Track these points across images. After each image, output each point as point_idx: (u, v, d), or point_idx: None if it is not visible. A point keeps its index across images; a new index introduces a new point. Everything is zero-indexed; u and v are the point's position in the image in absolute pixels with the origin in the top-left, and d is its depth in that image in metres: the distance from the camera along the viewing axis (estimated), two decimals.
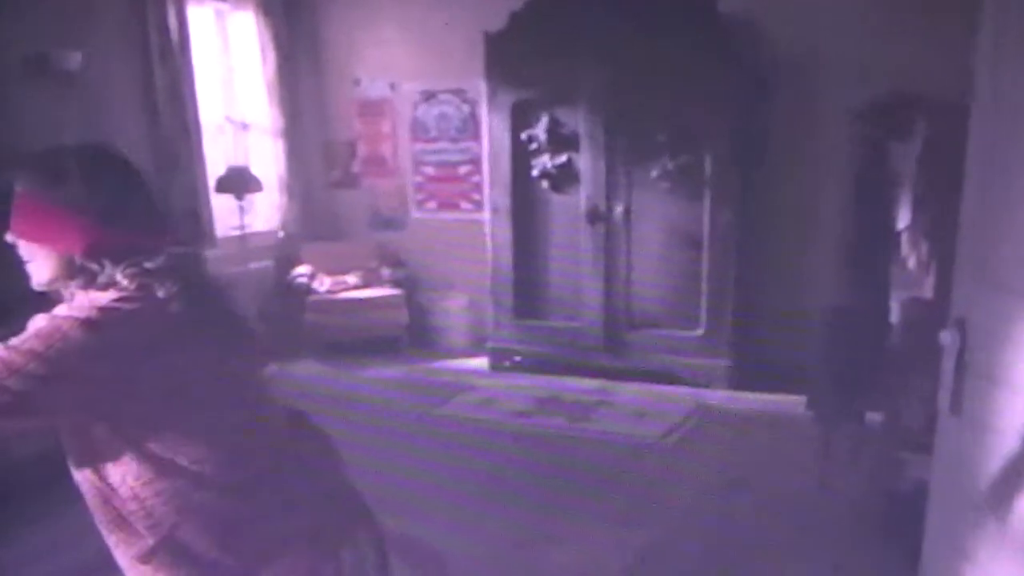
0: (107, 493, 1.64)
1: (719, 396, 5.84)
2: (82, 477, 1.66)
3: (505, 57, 6.10)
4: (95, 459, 1.63)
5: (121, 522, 1.65)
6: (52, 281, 1.69)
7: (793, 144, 6.03)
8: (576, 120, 6.04)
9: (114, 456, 1.61)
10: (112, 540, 1.68)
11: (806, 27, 5.86)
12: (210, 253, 6.16)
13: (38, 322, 1.56)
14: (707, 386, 5.93)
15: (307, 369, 6.69)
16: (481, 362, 6.73)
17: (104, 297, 1.61)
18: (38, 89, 4.91)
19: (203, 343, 1.68)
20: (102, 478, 1.64)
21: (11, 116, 4.75)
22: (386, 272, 7.23)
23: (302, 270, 7.08)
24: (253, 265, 6.71)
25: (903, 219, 4.26)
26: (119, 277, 1.63)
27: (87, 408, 1.56)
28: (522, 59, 6.04)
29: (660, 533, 3.93)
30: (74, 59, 5.01)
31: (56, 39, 4.98)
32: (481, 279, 6.65)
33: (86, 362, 1.52)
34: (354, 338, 7.01)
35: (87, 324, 1.54)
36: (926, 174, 4.15)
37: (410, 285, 7.27)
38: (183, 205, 6.05)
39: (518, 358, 6.54)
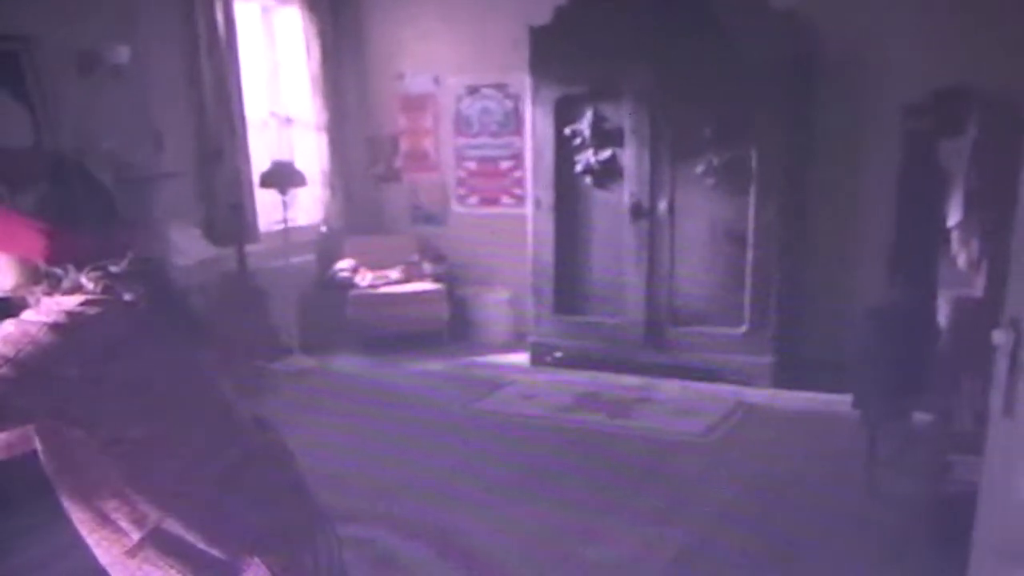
0: (88, 493, 1.66)
1: (762, 394, 5.77)
2: (60, 480, 1.69)
3: (550, 52, 6.07)
4: (72, 462, 1.65)
5: (104, 520, 1.67)
6: (16, 287, 1.72)
7: (841, 140, 5.96)
8: (621, 115, 6.00)
9: (90, 457, 1.63)
10: (94, 539, 1.70)
11: (857, 22, 5.77)
12: (253, 248, 6.22)
13: (6, 327, 1.59)
14: (750, 384, 5.87)
15: (348, 363, 6.73)
16: (522, 357, 6.71)
17: (71, 301, 1.65)
18: (90, 83, 4.99)
19: (168, 344, 1.73)
20: (82, 479, 1.66)
21: (65, 110, 4.83)
22: (427, 267, 7.24)
23: (344, 265, 7.12)
24: (295, 259, 6.75)
25: (953, 216, 4.19)
26: (84, 281, 1.67)
27: (59, 411, 1.58)
28: (567, 54, 6.02)
29: (700, 532, 3.90)
30: (123, 53, 5.08)
31: (107, 34, 5.05)
32: (522, 274, 6.64)
33: (56, 364, 1.55)
34: (395, 333, 7.04)
35: (55, 328, 1.57)
36: (979, 170, 4.07)
37: (451, 280, 7.28)
38: (227, 198, 6.10)
39: (559, 354, 6.52)
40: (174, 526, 1.65)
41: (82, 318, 1.61)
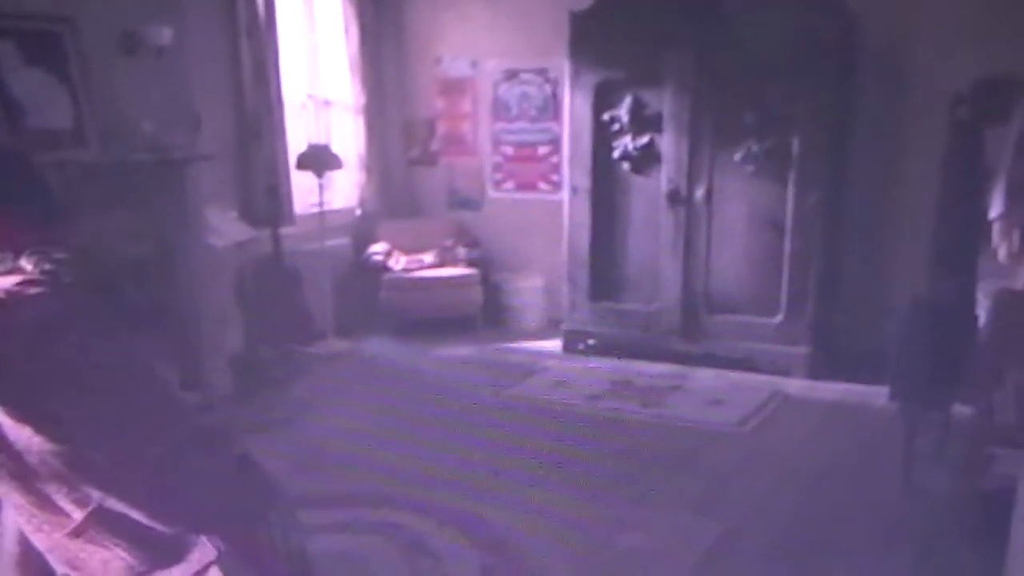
0: (28, 476, 1.65)
1: (798, 384, 5.71)
2: None
3: (590, 36, 6.03)
4: (9, 444, 1.64)
5: (45, 503, 1.66)
6: None
7: (883, 129, 5.89)
8: (660, 101, 5.94)
9: (28, 439, 1.62)
10: (34, 524, 1.69)
11: (902, 8, 5.70)
12: (288, 230, 6.24)
13: None
14: (786, 374, 5.82)
15: (381, 347, 6.75)
16: (555, 344, 6.69)
17: (8, 281, 1.66)
18: (132, 64, 5.01)
19: (106, 328, 1.74)
20: (21, 462, 1.65)
21: (108, 91, 4.86)
22: (462, 251, 7.23)
23: (378, 248, 7.12)
24: (330, 242, 6.76)
25: (996, 208, 4.11)
26: (24, 263, 1.69)
27: None
28: (607, 39, 5.98)
29: (734, 522, 3.86)
30: (166, 34, 5.10)
31: (150, 15, 5.07)
32: (557, 261, 6.61)
33: None
34: (428, 317, 7.05)
35: None
36: (1022, 161, 3.99)
37: (485, 265, 7.27)
38: (263, 181, 6.12)
39: (592, 341, 6.49)
40: (117, 505, 1.64)
41: (19, 297, 1.63)
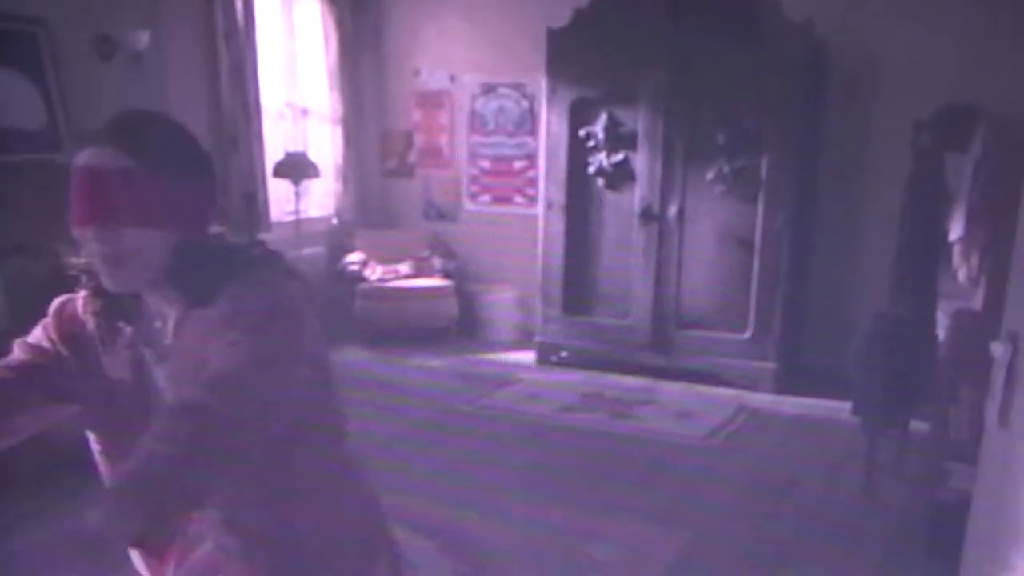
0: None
1: (764, 399, 5.83)
2: None
3: (567, 53, 6.12)
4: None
5: None
6: (153, 280, 1.55)
7: (849, 152, 6.03)
8: (635, 119, 6.05)
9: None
10: None
11: (870, 36, 5.85)
12: (264, 237, 6.24)
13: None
14: (753, 389, 5.93)
15: (355, 356, 6.78)
16: (528, 356, 6.77)
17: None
18: (108, 68, 5.02)
19: None
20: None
21: (83, 95, 4.88)
22: (437, 263, 7.30)
23: (354, 257, 7.17)
24: (306, 251, 6.79)
25: (955, 231, 4.25)
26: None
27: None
28: (584, 56, 6.07)
29: (701, 533, 3.95)
30: (143, 39, 5.12)
31: (127, 20, 5.09)
32: (531, 274, 6.68)
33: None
34: (403, 327, 7.10)
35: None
36: (982, 187, 4.14)
37: (460, 277, 7.33)
38: (240, 187, 6.15)
39: (565, 354, 6.58)
40: None
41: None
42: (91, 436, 1.72)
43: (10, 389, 1.59)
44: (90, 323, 1.63)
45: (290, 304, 1.52)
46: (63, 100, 4.81)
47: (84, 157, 1.47)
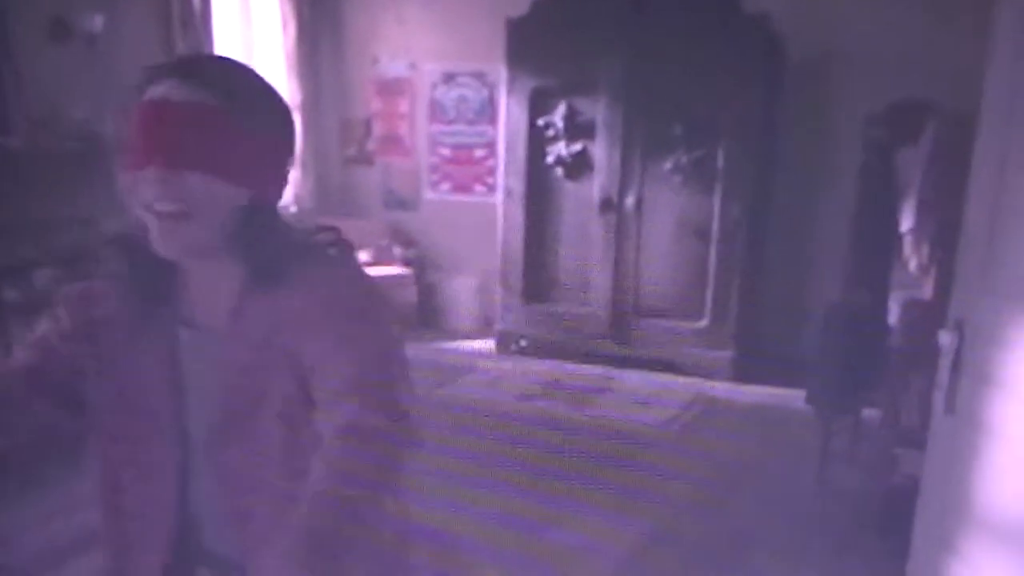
0: None
1: (721, 387, 5.91)
2: None
3: (526, 43, 6.14)
4: None
5: None
6: (213, 246, 1.34)
7: (805, 144, 6.11)
8: (594, 109, 6.08)
9: None
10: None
11: (826, 31, 5.93)
12: None
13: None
14: (710, 377, 6.01)
15: None
16: (487, 344, 6.81)
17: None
18: (62, 51, 4.96)
19: None
20: None
21: (36, 77, 4.81)
22: (397, 251, 7.30)
23: None
24: None
25: (906, 222, 4.33)
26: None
27: None
28: (543, 46, 6.09)
29: (658, 520, 4.00)
30: (98, 22, 5.05)
31: (79, 2, 5.02)
32: (491, 262, 6.71)
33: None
34: None
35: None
36: (932, 179, 4.22)
37: (420, 265, 7.34)
38: None
39: (524, 342, 6.61)
40: None
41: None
42: (96, 438, 1.50)
43: (12, 399, 1.40)
44: (113, 306, 1.43)
45: (381, 293, 1.42)
46: (16, 84, 4.73)
47: (156, 90, 1.28)
